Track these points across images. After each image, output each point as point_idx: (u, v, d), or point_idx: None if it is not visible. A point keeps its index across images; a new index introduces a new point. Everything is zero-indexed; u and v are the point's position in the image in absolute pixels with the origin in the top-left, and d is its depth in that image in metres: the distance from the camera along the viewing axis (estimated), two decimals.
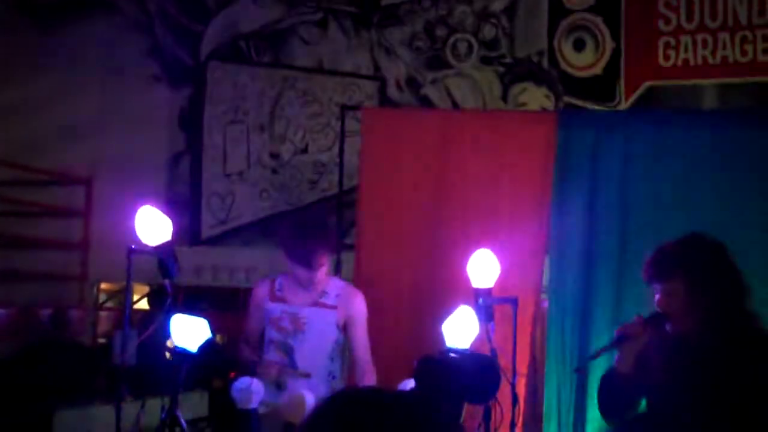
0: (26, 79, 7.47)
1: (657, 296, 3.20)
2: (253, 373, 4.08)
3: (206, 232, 7.25)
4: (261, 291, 4.25)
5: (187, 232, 7.16)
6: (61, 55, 7.49)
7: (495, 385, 3.50)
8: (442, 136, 5.15)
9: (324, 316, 4.16)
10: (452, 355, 3.54)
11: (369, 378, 4.16)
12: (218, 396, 5.85)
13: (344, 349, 4.33)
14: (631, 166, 4.92)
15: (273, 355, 4.15)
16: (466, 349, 3.68)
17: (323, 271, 4.11)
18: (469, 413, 3.64)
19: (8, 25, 7.58)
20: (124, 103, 7.34)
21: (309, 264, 4.03)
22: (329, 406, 1.43)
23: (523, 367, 4.64)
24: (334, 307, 4.17)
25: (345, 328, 4.21)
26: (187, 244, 6.98)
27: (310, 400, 3.84)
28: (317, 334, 4.15)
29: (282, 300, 4.18)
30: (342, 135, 5.91)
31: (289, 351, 4.14)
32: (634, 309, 3.53)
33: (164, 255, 3.90)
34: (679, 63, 6.33)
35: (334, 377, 4.20)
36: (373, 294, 4.55)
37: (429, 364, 3.38)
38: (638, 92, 6.41)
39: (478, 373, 3.41)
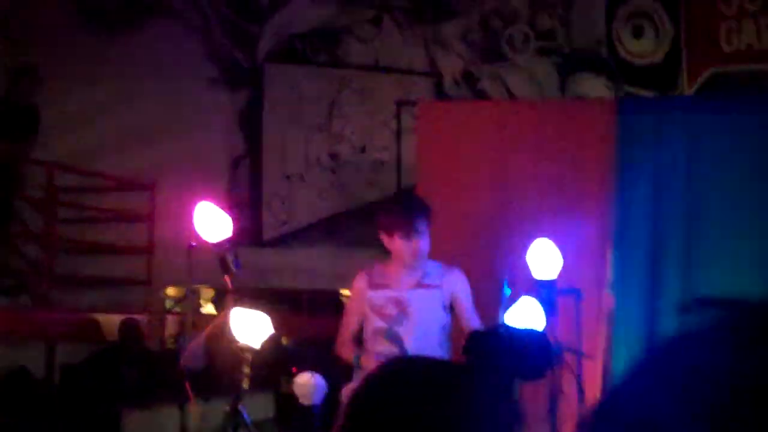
0: (88, 85, 7.59)
1: None
2: (357, 367, 4.00)
3: (267, 233, 7.29)
4: (360, 283, 4.07)
5: (249, 234, 7.18)
6: (121, 61, 7.60)
7: (548, 361, 3.43)
8: (499, 127, 5.08)
9: (429, 297, 3.97)
10: (502, 330, 3.48)
11: None
12: (285, 397, 5.87)
13: (450, 335, 4.13)
14: (695, 152, 4.81)
15: (379, 347, 3.97)
16: (517, 327, 3.61)
17: (426, 242, 3.94)
18: (534, 402, 3.59)
19: (69, 31, 7.72)
20: (184, 107, 7.42)
21: (413, 228, 3.88)
22: (375, 375, 1.42)
23: (593, 364, 4.52)
24: (438, 286, 3.97)
25: (452, 308, 4.04)
26: (249, 246, 6.99)
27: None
28: (424, 318, 3.95)
29: (384, 286, 4.01)
30: (399, 131, 5.89)
31: (396, 339, 3.95)
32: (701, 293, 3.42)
33: (224, 251, 3.90)
34: (743, 48, 6.17)
35: None
36: None
37: (479, 338, 3.32)
38: (701, 79, 6.27)
39: (529, 348, 3.34)
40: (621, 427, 0.74)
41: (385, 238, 3.99)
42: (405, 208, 3.96)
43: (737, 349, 0.72)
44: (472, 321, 3.94)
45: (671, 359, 0.78)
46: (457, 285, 4.00)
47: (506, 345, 3.32)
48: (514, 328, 3.58)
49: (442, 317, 3.99)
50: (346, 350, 4.11)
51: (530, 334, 3.56)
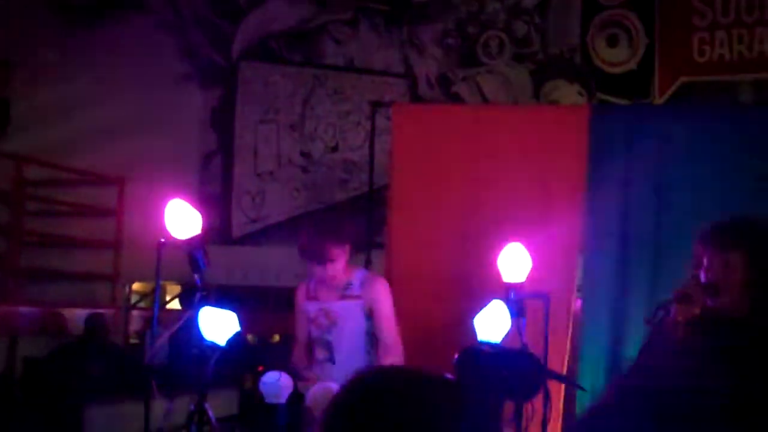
0: (59, 79, 7.52)
1: (705, 266, 3.06)
2: (296, 377, 4.07)
3: (237, 230, 7.27)
4: (300, 293, 4.35)
5: (219, 231, 7.17)
6: (93, 55, 7.53)
7: (538, 383, 3.43)
8: (473, 131, 5.09)
9: (352, 307, 4.20)
10: (495, 349, 3.48)
11: (392, 358, 4.13)
12: (249, 395, 5.84)
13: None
14: (665, 160, 4.83)
15: (317, 354, 4.23)
16: (509, 346, 3.62)
17: (338, 266, 4.14)
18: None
19: (42, 25, 7.64)
20: (156, 103, 7.37)
21: (319, 259, 4.08)
22: (354, 384, 1.38)
23: (559, 366, 4.56)
24: (359, 297, 4.21)
25: (371, 316, 4.23)
26: (219, 243, 6.96)
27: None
28: (349, 326, 4.19)
29: (315, 298, 4.27)
30: (373, 133, 5.87)
31: (328, 347, 4.20)
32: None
33: (194, 249, 3.88)
34: (715, 58, 6.23)
35: None
36: (404, 290, 4.51)
37: (471, 355, 3.31)
38: (673, 88, 6.32)
39: (520, 369, 3.34)
40: None
41: (300, 258, 4.20)
42: (316, 238, 4.11)
43: None
44: (384, 332, 4.17)
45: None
46: (376, 295, 4.20)
47: (498, 363, 3.33)
48: (505, 347, 3.58)
49: (366, 323, 4.22)
50: (296, 360, 4.34)
51: (521, 353, 3.56)
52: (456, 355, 3.37)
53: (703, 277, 3.01)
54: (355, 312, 4.20)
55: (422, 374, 1.39)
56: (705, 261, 3.02)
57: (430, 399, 1.29)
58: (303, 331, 4.33)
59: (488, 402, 3.17)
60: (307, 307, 4.27)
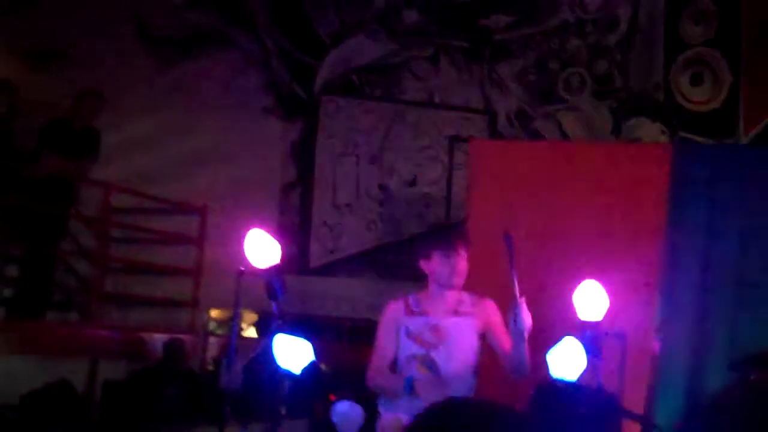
0: (148, 111, 7.72)
1: None
2: (408, 391, 3.97)
3: (314, 261, 7.31)
4: (395, 307, 4.15)
5: (296, 261, 7.22)
6: (181, 88, 7.73)
7: (614, 423, 3.35)
8: (552, 167, 5.09)
9: (465, 324, 4.07)
10: (572, 386, 3.43)
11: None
12: (320, 425, 5.84)
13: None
14: (749, 200, 4.73)
15: (414, 373, 4.01)
16: (587, 385, 3.56)
17: (464, 264, 4.07)
18: None
19: (131, 58, 7.88)
20: (239, 134, 7.51)
21: (452, 247, 4.01)
22: (432, 413, 1.38)
23: (636, 407, 4.46)
24: (471, 315, 4.09)
25: (484, 336, 4.11)
26: (296, 273, 7.02)
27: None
28: (460, 344, 4.05)
29: (421, 313, 4.10)
30: (450, 167, 5.88)
31: (431, 366, 4.02)
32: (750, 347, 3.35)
33: (272, 278, 3.92)
34: None
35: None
36: None
37: (547, 391, 3.26)
38: (758, 128, 6.18)
39: (597, 408, 3.28)
40: None
41: (423, 263, 4.11)
42: (443, 230, 4.06)
43: None
44: (507, 343, 4.02)
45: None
46: (491, 314, 4.11)
47: (575, 401, 3.26)
48: (582, 385, 3.53)
49: (477, 342, 4.09)
50: (381, 377, 4.12)
51: (598, 392, 3.50)
52: (532, 391, 3.31)
53: None
54: (468, 329, 4.07)
55: (500, 408, 1.40)
56: None
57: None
58: (391, 348, 4.12)
59: None
60: (408, 323, 4.07)
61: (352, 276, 7.10)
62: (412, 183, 7.08)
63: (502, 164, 5.22)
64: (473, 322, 4.08)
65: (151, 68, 7.86)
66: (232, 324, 4.35)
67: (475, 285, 4.95)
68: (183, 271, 7.51)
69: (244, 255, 4.00)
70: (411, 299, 4.16)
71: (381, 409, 4.12)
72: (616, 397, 3.52)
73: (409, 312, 4.10)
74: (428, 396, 3.79)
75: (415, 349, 4.05)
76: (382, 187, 7.15)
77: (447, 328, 4.05)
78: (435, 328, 4.06)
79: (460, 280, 4.08)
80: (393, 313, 4.14)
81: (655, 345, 4.82)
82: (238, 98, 7.58)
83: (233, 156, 7.44)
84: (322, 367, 6.68)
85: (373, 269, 7.06)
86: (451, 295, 4.09)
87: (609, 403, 3.40)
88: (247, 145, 7.44)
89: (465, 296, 4.14)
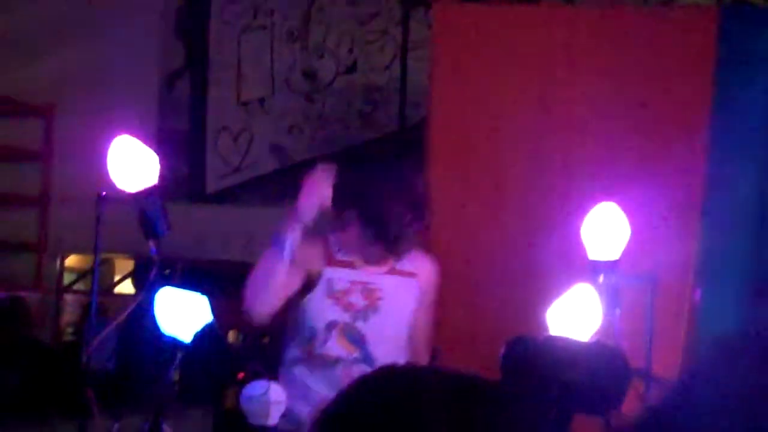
0: None
1: None
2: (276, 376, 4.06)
3: (213, 183, 7.31)
4: (313, 247, 4.10)
5: (187, 184, 7.22)
6: None
7: (620, 391, 3.41)
8: (547, 39, 5.10)
9: (405, 287, 4.13)
10: (559, 341, 3.47)
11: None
12: (230, 415, 5.89)
13: None
14: None
15: (334, 348, 4.08)
16: (580, 339, 3.62)
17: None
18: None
19: None
20: (99, 4, 7.42)
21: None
22: (360, 388, 1.42)
23: (669, 371, 4.55)
24: (412, 275, 4.16)
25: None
26: (186, 201, 7.02)
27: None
28: (397, 315, 4.13)
29: (348, 264, 4.12)
30: (405, 45, 5.87)
31: (357, 341, 4.07)
32: None
33: (147, 205, 3.91)
34: None
35: None
36: (447, 266, 4.49)
37: (523, 348, 3.30)
38: None
39: (596, 371, 3.32)
40: None
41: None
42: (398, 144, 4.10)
43: None
44: (424, 329, 4.19)
45: (728, 369, 0.77)
46: (431, 277, 4.20)
47: (562, 360, 3.29)
48: (574, 340, 3.58)
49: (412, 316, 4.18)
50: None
51: (596, 347, 3.55)
52: (502, 350, 3.36)
53: None
54: (408, 294, 4.14)
55: (454, 376, 1.43)
56: None
57: (464, 409, 1.32)
58: (289, 287, 4.08)
59: (547, 416, 3.16)
60: (331, 275, 4.09)
61: (268, 204, 7.10)
62: (351, 69, 7.05)
63: (479, 37, 5.21)
64: (414, 285, 4.15)
65: None
66: (93, 274, 4.35)
67: (436, 215, 4.98)
68: (22, 200, 7.47)
69: (108, 174, 3.98)
70: (332, 240, 4.14)
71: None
72: (622, 352, 3.58)
73: (329, 259, 4.10)
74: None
75: (337, 313, 4.08)
76: (309, 75, 7.13)
77: (382, 290, 4.10)
78: (366, 290, 4.10)
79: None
80: (307, 251, 4.06)
81: (695, 293, 4.90)
82: None
83: (90, 31, 7.32)
84: (230, 335, 6.74)
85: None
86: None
87: (613, 362, 3.45)
88: (108, 18, 7.33)
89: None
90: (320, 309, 4.09)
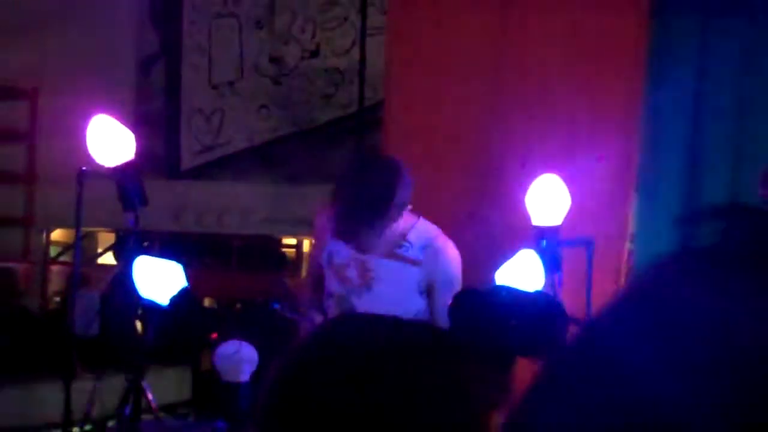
0: None
1: None
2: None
3: (187, 161, 7.28)
4: (321, 220, 4.12)
5: (163, 162, 7.18)
6: None
7: (558, 334, 3.44)
8: (498, 18, 5.07)
9: (402, 272, 3.99)
10: (500, 292, 3.51)
11: None
12: (205, 374, 5.91)
13: None
14: (749, 65, 4.83)
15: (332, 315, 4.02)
16: (519, 288, 3.65)
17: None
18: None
19: None
20: None
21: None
22: (314, 339, 1.42)
23: None
24: (416, 263, 4.00)
25: (428, 294, 4.04)
26: (162, 177, 6.99)
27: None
28: (391, 297, 3.96)
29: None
30: (363, 30, 5.86)
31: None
32: None
33: (125, 179, 3.92)
34: None
35: None
36: None
37: (469, 298, 3.32)
38: None
39: (534, 315, 3.36)
40: (587, 368, 0.75)
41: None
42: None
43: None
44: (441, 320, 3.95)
45: (654, 293, 0.77)
46: (446, 266, 4.01)
47: (506, 308, 3.32)
48: (517, 289, 3.60)
49: (416, 302, 4.01)
50: (304, 300, 4.23)
51: (537, 296, 3.59)
52: (450, 301, 3.38)
53: None
54: (405, 280, 3.99)
55: (405, 325, 1.40)
56: None
57: (415, 356, 1.31)
58: (316, 264, 4.15)
59: (491, 360, 3.20)
60: (333, 247, 4.03)
61: (239, 179, 7.10)
62: (315, 53, 7.04)
63: (432, 17, 5.19)
64: (416, 274, 3.99)
65: None
66: (76, 245, 4.35)
67: None
68: (10, 178, 7.41)
69: (88, 151, 3.99)
70: None
71: None
72: (560, 302, 3.62)
73: (333, 231, 4.00)
74: None
75: (335, 287, 4.04)
76: (275, 60, 7.10)
77: (377, 270, 3.99)
78: (362, 267, 4.00)
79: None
80: (321, 225, 4.11)
81: (630, 255, 4.94)
82: None
83: (72, 19, 7.28)
84: (206, 302, 6.76)
85: (268, 170, 7.06)
86: (396, 225, 3.95)
87: (552, 310, 3.49)
88: (91, 4, 7.29)
89: (414, 231, 4.01)
90: (326, 278, 4.09)
